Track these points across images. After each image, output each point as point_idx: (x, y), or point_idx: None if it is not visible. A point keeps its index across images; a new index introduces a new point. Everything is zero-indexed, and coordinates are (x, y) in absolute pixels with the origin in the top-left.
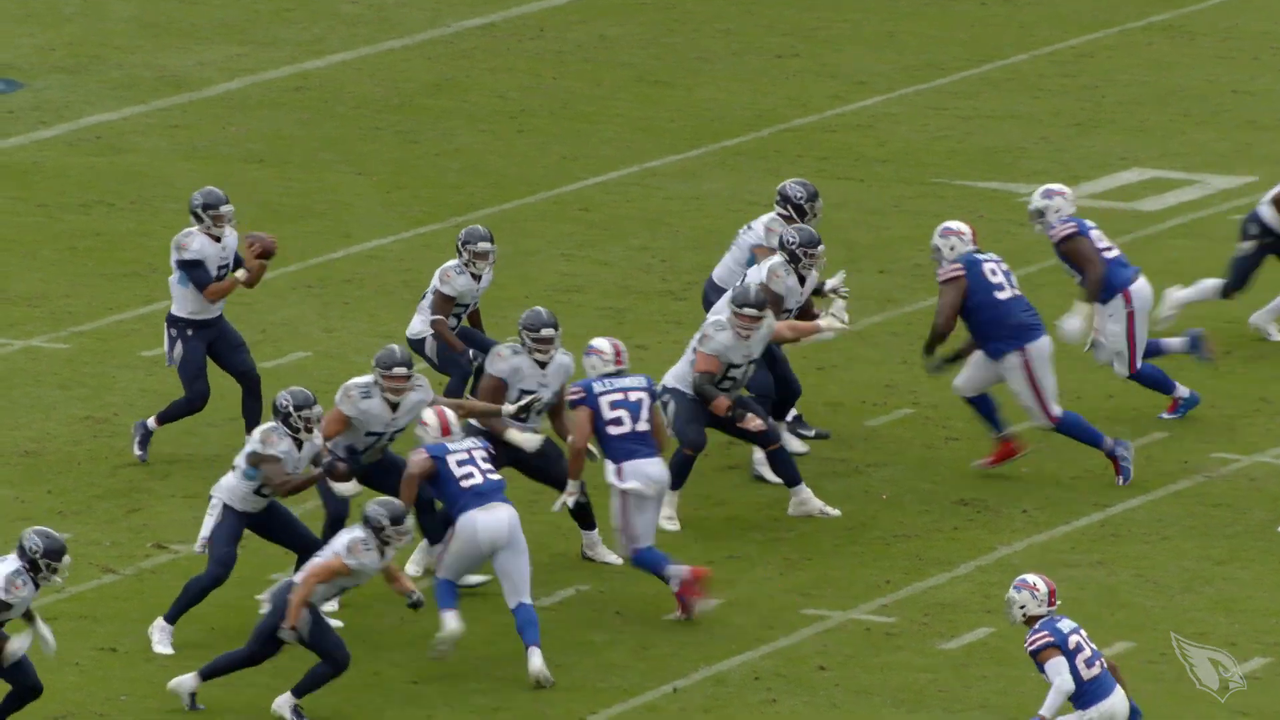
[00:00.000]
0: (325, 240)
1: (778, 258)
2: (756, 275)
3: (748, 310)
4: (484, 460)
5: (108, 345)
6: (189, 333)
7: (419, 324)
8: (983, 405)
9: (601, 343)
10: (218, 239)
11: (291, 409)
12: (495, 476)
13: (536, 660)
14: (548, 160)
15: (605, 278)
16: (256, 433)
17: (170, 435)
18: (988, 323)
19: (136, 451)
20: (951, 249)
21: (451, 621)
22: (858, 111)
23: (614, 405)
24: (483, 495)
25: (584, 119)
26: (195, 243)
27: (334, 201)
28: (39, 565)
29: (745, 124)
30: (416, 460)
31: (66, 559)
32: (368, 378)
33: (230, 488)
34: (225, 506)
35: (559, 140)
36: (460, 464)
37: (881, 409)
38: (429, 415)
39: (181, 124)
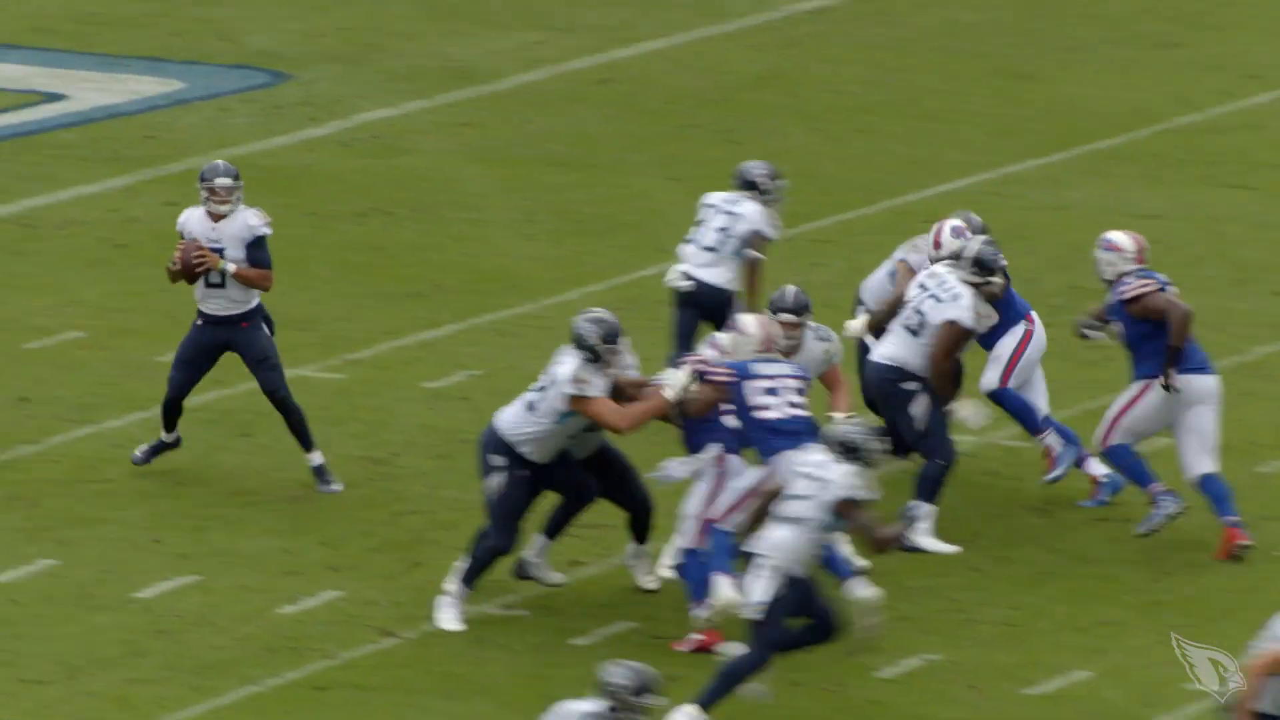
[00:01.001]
0: (635, 254)
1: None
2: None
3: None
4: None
5: (386, 375)
6: (197, 322)
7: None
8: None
9: (749, 321)
10: (218, 218)
11: (599, 340)
12: (802, 413)
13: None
14: (889, 165)
15: None
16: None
17: (457, 478)
18: None
19: (136, 453)
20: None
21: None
22: (1249, 110)
23: (767, 391)
24: (787, 435)
25: (932, 117)
26: (184, 214)
27: (644, 210)
28: (628, 705)
29: (1118, 124)
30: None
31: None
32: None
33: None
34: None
35: (903, 142)
36: (766, 392)
37: (1276, 452)
38: (750, 322)
39: (470, 121)
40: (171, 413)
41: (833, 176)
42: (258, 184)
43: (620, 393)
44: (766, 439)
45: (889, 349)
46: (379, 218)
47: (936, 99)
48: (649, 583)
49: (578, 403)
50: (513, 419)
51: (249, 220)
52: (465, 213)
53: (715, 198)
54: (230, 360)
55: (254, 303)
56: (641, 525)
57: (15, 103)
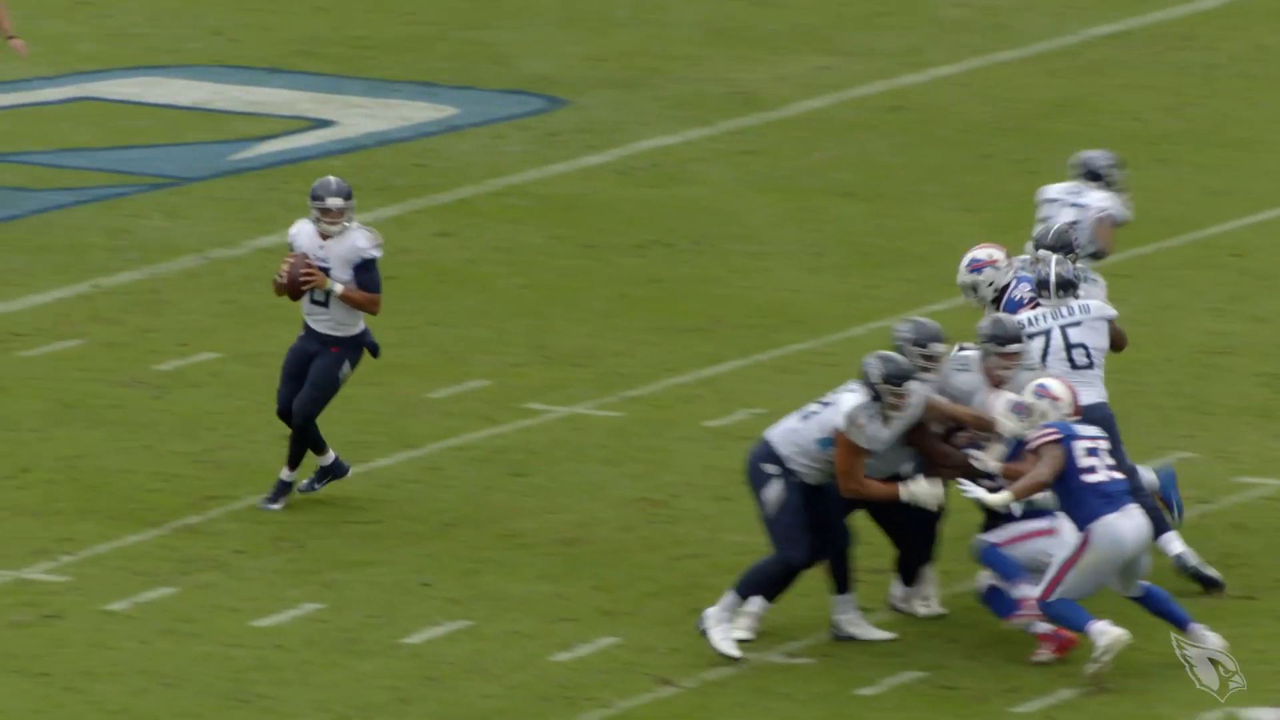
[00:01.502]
0: (923, 288)
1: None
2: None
3: None
4: (1108, 454)
5: (665, 413)
6: (301, 334)
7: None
8: None
9: (1056, 385)
10: (327, 236)
11: (880, 379)
12: (1119, 475)
13: (1208, 637)
14: (1192, 196)
15: (1263, 337)
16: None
17: (739, 521)
18: None
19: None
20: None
21: (1106, 630)
22: None
23: (1089, 452)
24: (1111, 498)
25: (1238, 146)
26: (295, 226)
27: (934, 242)
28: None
29: None
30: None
31: None
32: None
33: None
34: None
35: (1207, 172)
36: (1088, 453)
37: None
38: (1056, 385)
39: (754, 149)
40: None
41: (1134, 208)
42: (531, 214)
43: (958, 426)
44: (1090, 502)
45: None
46: (658, 249)
47: (1242, 127)
48: (926, 609)
49: (840, 440)
50: (784, 432)
51: (358, 242)
52: (748, 245)
53: (1054, 190)
54: (502, 396)
55: (357, 328)
56: (910, 565)
57: (282, 129)
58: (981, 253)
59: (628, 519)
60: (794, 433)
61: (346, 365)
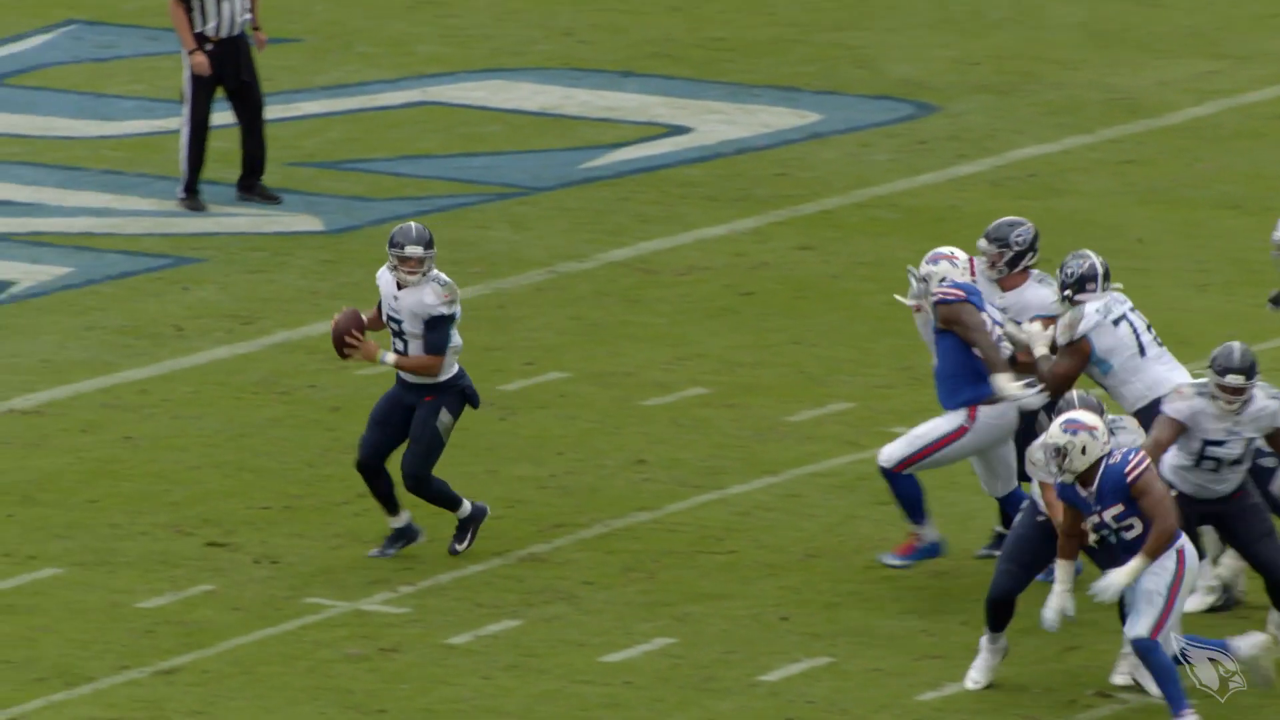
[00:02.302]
0: None
1: None
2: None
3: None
4: None
5: None
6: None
7: None
8: None
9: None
10: (401, 285)
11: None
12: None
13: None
14: None
15: None
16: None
17: None
18: None
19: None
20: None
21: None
22: None
23: None
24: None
25: None
26: (382, 270)
27: None
28: None
29: None
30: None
31: None
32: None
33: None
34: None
35: None
36: None
37: None
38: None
39: (1136, 159)
40: (380, 488)
41: None
42: (899, 226)
43: None
44: None
45: None
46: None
47: None
48: None
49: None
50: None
51: (426, 298)
52: (1129, 260)
53: None
54: (866, 419)
55: (449, 372)
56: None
57: (635, 135)
58: (945, 249)
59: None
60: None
61: (445, 414)
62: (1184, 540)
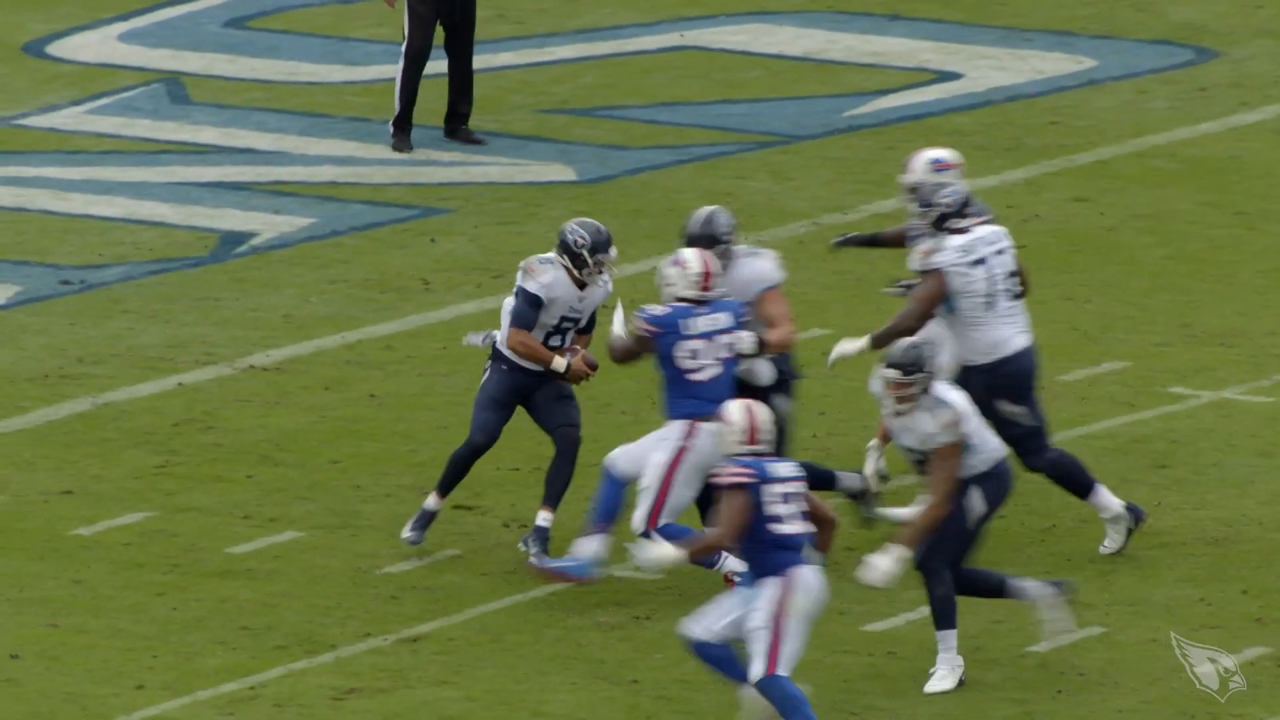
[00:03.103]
0: None
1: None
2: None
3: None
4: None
5: None
6: (503, 367)
7: None
8: None
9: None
10: (583, 285)
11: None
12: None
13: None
14: None
15: None
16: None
17: None
18: None
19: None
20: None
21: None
22: None
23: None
24: (797, 552)
25: None
26: (549, 274)
27: None
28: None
29: None
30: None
31: None
32: None
33: None
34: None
35: None
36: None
37: None
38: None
39: None
40: (465, 472)
41: None
42: (1178, 177)
43: None
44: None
45: None
46: None
47: None
48: None
49: None
50: None
51: (598, 295)
52: None
53: None
54: (1142, 379)
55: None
56: None
57: (902, 81)
58: (688, 251)
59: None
60: None
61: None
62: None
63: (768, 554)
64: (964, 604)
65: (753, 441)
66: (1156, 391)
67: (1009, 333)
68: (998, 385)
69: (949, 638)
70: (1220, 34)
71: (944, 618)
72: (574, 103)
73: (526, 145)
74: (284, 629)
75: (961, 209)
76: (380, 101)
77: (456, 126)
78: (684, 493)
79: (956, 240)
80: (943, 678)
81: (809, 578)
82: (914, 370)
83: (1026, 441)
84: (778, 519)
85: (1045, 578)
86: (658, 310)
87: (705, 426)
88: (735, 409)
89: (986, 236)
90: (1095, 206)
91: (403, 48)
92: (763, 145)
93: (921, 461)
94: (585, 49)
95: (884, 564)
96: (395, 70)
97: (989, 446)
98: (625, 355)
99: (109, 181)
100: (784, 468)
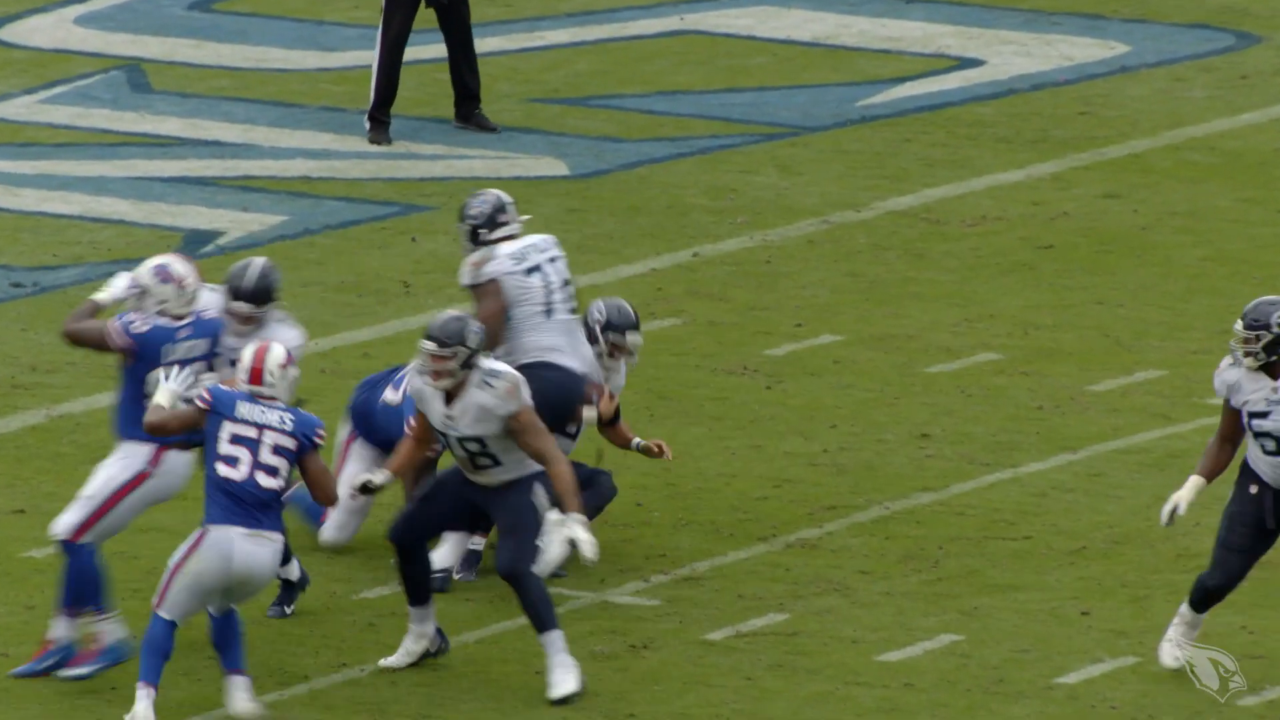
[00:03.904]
0: None
1: None
2: None
3: None
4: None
5: None
6: None
7: None
8: None
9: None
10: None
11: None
12: (274, 484)
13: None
14: None
15: None
16: None
17: None
18: None
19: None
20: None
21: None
22: None
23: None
24: (243, 508)
25: None
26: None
27: None
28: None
29: None
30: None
31: None
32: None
33: None
34: None
35: None
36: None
37: None
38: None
39: None
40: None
41: None
42: (1217, 172)
43: None
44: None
45: None
46: None
47: None
48: None
49: None
50: None
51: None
52: None
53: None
54: (1179, 389)
55: None
56: None
57: (920, 69)
58: (168, 260)
59: None
60: None
61: None
62: (215, 528)
63: (210, 494)
64: (984, 633)
65: (253, 381)
66: (1194, 403)
67: (563, 344)
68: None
69: (556, 640)
70: (1263, 17)
71: (546, 620)
72: (566, 91)
73: (515, 137)
74: (254, 659)
75: (494, 219)
76: (357, 90)
77: (470, 110)
78: (125, 518)
79: (506, 248)
80: (563, 682)
81: (222, 543)
82: (452, 343)
83: None
84: (227, 460)
85: (1074, 603)
86: (142, 327)
87: (171, 454)
88: (250, 347)
89: (538, 244)
90: (1128, 203)
91: (379, 32)
92: (770, 137)
93: (483, 454)
94: (579, 33)
95: (579, 533)
96: (372, 57)
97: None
98: None
99: (64, 176)
100: (250, 410)
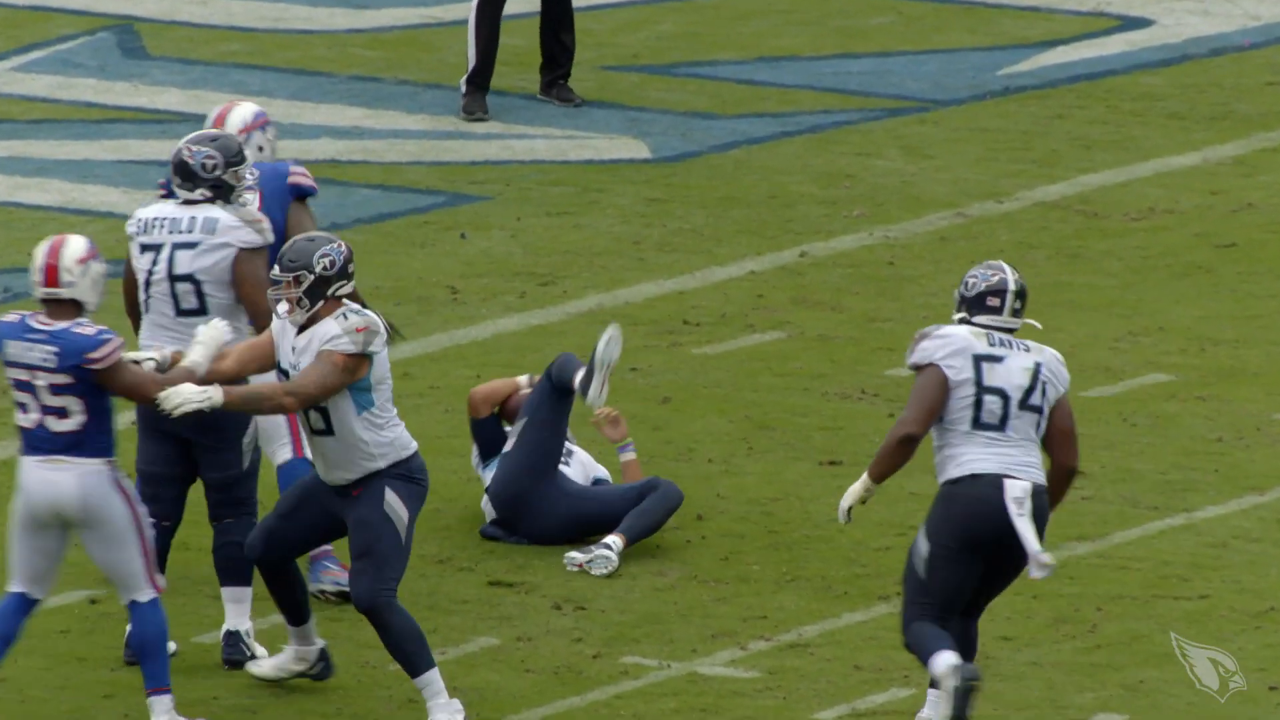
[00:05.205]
0: None
1: None
2: None
3: None
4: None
5: None
6: None
7: None
8: None
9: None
10: None
11: None
12: (68, 425)
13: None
14: None
15: None
16: None
17: None
18: None
19: None
20: None
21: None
22: None
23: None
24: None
25: None
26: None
27: None
28: None
29: None
30: None
31: None
32: None
33: None
34: None
35: None
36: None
37: None
38: None
39: None
40: None
41: None
42: None
43: None
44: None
45: None
46: None
47: None
48: None
49: None
50: None
51: None
52: None
53: None
54: None
55: None
56: None
57: (1076, 30)
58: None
59: None
60: None
61: None
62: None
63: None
64: (1152, 712)
65: (47, 283)
66: None
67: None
68: None
69: (434, 681)
70: None
71: (417, 660)
72: (648, 57)
73: (587, 112)
74: None
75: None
76: (394, 56)
77: (555, 79)
78: None
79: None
80: None
81: (20, 477)
82: (296, 268)
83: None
84: (18, 405)
85: (1260, 676)
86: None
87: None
88: (44, 242)
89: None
90: None
91: None
92: (894, 113)
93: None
94: None
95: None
96: (423, 16)
97: (403, 434)
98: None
99: (42, 159)
100: (17, 349)
